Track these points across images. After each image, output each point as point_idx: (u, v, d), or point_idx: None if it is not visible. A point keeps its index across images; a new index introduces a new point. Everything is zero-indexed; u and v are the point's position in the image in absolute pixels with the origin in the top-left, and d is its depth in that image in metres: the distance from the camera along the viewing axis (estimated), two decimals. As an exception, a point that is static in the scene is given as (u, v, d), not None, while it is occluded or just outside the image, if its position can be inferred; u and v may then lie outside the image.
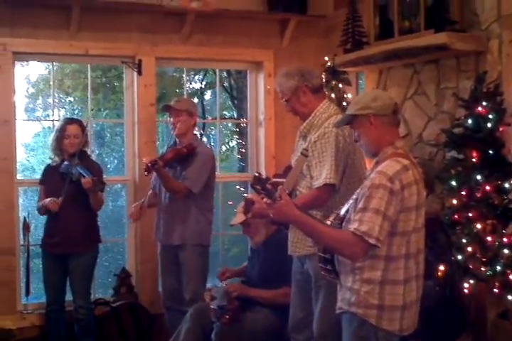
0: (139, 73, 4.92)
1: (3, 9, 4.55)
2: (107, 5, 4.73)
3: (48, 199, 4.29)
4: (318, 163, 3.29)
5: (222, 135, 8.19)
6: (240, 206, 4.13)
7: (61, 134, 4.36)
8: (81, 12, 4.66)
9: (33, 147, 8.60)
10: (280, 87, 3.46)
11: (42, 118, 8.56)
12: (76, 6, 4.61)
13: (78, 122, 4.45)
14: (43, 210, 4.36)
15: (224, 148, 8.86)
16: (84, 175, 4.17)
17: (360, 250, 2.52)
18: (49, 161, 4.55)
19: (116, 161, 8.13)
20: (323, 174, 3.25)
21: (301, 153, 3.36)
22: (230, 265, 5.54)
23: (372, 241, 2.49)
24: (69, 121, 4.44)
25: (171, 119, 4.47)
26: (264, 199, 2.73)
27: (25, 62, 5.42)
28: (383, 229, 2.51)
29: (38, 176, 4.67)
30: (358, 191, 2.71)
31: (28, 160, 8.44)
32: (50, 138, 4.50)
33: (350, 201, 2.73)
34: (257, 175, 2.83)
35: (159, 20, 4.97)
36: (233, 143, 9.41)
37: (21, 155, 5.84)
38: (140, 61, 4.90)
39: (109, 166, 8.11)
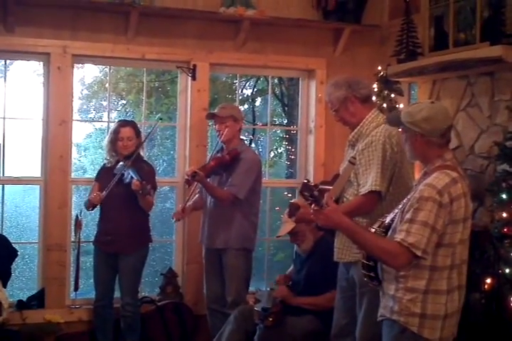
0: (193, 78, 5.01)
1: (64, 13, 4.69)
2: (164, 11, 4.83)
3: (94, 193, 4.40)
4: (364, 171, 3.32)
5: (271, 141, 8.24)
6: (285, 215, 4.16)
7: (115, 136, 4.46)
8: (139, 17, 4.76)
9: (85, 147, 8.78)
10: (329, 97, 3.52)
11: (95, 119, 8.75)
12: (134, 12, 4.71)
13: (132, 124, 4.55)
14: (87, 204, 4.45)
15: (272, 154, 8.90)
16: (135, 177, 4.24)
17: (405, 261, 2.54)
18: (104, 161, 4.66)
19: (165, 164, 8.24)
20: (369, 181, 3.28)
21: (349, 161, 3.38)
22: (274, 270, 5.59)
23: (419, 253, 2.51)
24: (123, 124, 4.53)
25: (216, 126, 4.52)
26: (312, 206, 2.76)
27: (81, 65, 5.54)
28: (431, 241, 2.53)
29: (89, 176, 4.77)
30: (404, 201, 2.72)
31: (80, 160, 8.62)
32: (105, 139, 4.62)
33: (396, 210, 2.75)
34: (305, 181, 2.86)
35: (215, 27, 5.05)
36: (282, 150, 9.44)
37: (74, 155, 5.99)
38: (195, 66, 4.99)
39: (158, 168, 8.23)
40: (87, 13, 4.74)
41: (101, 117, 8.49)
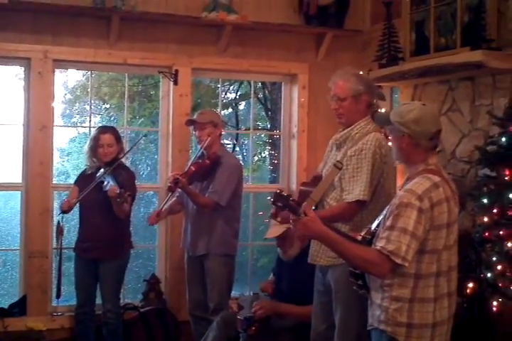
0: (175, 83, 4.99)
1: (45, 18, 4.66)
2: (146, 16, 4.82)
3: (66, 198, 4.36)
4: (351, 178, 3.31)
5: (254, 145, 8.23)
6: (273, 220, 4.12)
7: (95, 143, 4.43)
8: (120, 22, 4.75)
9: (68, 152, 8.72)
10: (344, 84, 3.40)
11: (78, 124, 8.69)
12: (116, 17, 4.70)
13: (112, 131, 4.51)
14: (60, 209, 4.41)
15: (256, 158, 8.90)
16: (113, 184, 4.20)
17: (386, 269, 2.52)
18: (85, 167, 4.63)
19: (149, 168, 8.21)
20: (356, 190, 3.27)
21: (334, 165, 3.37)
22: (258, 275, 5.57)
23: (398, 260, 2.48)
24: (103, 130, 4.50)
25: (197, 133, 4.50)
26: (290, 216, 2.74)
27: (63, 69, 5.52)
28: (411, 248, 2.49)
29: (71, 181, 4.75)
30: (387, 207, 2.71)
31: (63, 165, 8.57)
32: (86, 146, 4.58)
33: (381, 217, 2.73)
34: (278, 192, 2.81)
35: (197, 32, 5.04)
36: (265, 154, 9.44)
37: (56, 160, 5.95)
38: (177, 71, 4.98)
39: (142, 172, 8.19)
40: (68, 18, 4.72)
41: (84, 121, 8.44)
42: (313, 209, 3.14)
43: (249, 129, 6.77)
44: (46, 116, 4.75)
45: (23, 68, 4.86)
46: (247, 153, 9.10)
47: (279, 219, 3.62)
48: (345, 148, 3.40)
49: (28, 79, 4.73)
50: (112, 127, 4.65)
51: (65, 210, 4.34)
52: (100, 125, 5.26)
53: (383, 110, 4.94)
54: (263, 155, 9.46)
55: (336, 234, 2.65)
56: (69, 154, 8.74)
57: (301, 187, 3.64)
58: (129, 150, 4.66)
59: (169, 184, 4.28)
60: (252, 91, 5.92)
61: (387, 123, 2.73)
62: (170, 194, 4.38)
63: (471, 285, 3.77)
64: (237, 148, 9.16)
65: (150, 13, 4.82)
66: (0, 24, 4.54)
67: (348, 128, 3.43)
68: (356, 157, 3.32)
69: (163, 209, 4.51)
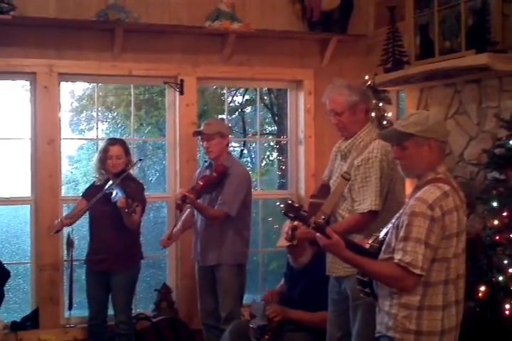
0: (181, 93, 5.00)
1: (49, 32, 4.68)
2: (150, 27, 4.84)
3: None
4: (360, 188, 3.31)
5: (262, 149, 8.22)
6: (284, 226, 4.12)
7: (104, 155, 4.44)
8: (124, 34, 4.76)
9: (77, 159, 8.74)
10: (338, 98, 3.41)
11: (85, 131, 8.71)
12: (119, 29, 4.71)
13: (121, 143, 4.53)
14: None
15: (264, 163, 8.89)
16: (121, 195, 4.21)
17: (411, 282, 2.54)
18: (93, 179, 4.65)
19: (157, 174, 8.23)
20: (367, 200, 3.26)
21: (342, 176, 3.37)
22: (269, 279, 5.56)
23: (417, 271, 2.50)
24: (112, 142, 4.51)
25: (204, 143, 4.49)
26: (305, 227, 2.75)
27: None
28: (426, 257, 2.51)
29: (81, 189, 4.76)
30: (397, 215, 2.71)
31: (72, 172, 8.59)
32: (94, 158, 4.60)
33: (389, 225, 2.74)
34: (289, 202, 2.81)
35: (201, 41, 5.05)
36: (273, 157, 9.44)
37: (65, 168, 5.97)
38: (182, 81, 4.99)
39: (150, 178, 8.21)
40: (72, 32, 4.73)
41: (91, 129, 8.47)
42: (326, 223, 3.18)
43: (256, 133, 6.76)
44: (53, 130, 4.77)
45: (28, 82, 4.88)
46: (255, 156, 9.10)
47: (295, 241, 3.60)
48: (351, 158, 3.39)
49: (34, 93, 4.75)
50: (120, 139, 4.67)
51: (57, 230, 4.38)
52: (108, 132, 5.28)
53: (390, 114, 4.95)
54: (271, 158, 9.46)
55: (356, 256, 2.64)
56: (77, 161, 8.76)
57: (311, 200, 3.64)
58: (134, 164, 4.63)
59: (177, 202, 4.26)
60: (258, 97, 5.90)
61: (400, 138, 2.70)
62: (180, 213, 4.39)
63: (482, 288, 3.76)
64: (246, 151, 9.16)
65: (153, 24, 4.84)
66: (5, 39, 4.57)
67: (352, 138, 3.42)
68: (364, 166, 3.31)
69: (174, 230, 4.52)
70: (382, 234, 2.76)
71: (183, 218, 4.60)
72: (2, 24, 4.48)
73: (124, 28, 4.72)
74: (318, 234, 2.67)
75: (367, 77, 4.91)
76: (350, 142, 3.43)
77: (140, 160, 4.72)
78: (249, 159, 9.32)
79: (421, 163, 2.68)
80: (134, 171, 4.62)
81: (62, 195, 4.96)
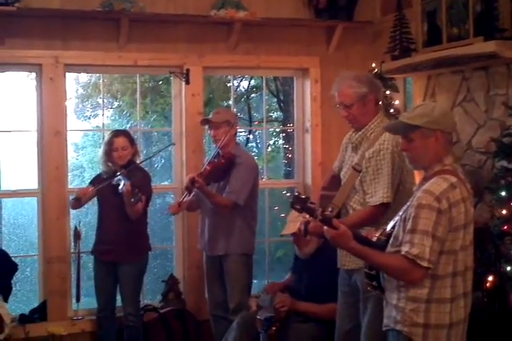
0: (187, 82, 4.97)
1: (54, 23, 4.65)
2: (155, 17, 4.79)
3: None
4: (372, 180, 3.29)
5: (268, 136, 8.19)
6: (290, 216, 4.11)
7: (109, 147, 4.43)
8: (129, 24, 4.72)
9: (82, 146, 8.75)
10: (346, 90, 3.38)
11: (91, 117, 8.72)
12: (125, 19, 4.67)
13: (125, 134, 4.52)
14: (73, 201, 4.44)
15: (270, 149, 8.87)
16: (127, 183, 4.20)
17: (418, 274, 2.53)
18: (99, 166, 4.66)
19: (163, 160, 8.23)
20: (379, 192, 3.25)
21: (353, 168, 3.35)
22: (276, 267, 5.57)
23: (424, 263, 2.49)
24: (116, 134, 4.50)
25: (212, 132, 4.48)
26: (312, 219, 2.74)
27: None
28: (433, 250, 2.50)
29: (87, 176, 4.74)
30: (404, 208, 2.70)
31: (77, 159, 8.60)
32: (100, 151, 4.60)
33: (397, 217, 2.73)
34: (296, 194, 2.82)
35: (206, 30, 5.01)
36: (279, 143, 9.41)
37: (71, 154, 5.97)
38: (188, 70, 4.95)
39: (156, 165, 8.21)
40: (77, 22, 4.70)
41: (97, 115, 8.48)
42: (337, 215, 3.16)
43: (262, 121, 6.74)
44: (60, 121, 4.75)
45: (33, 74, 4.86)
46: (260, 141, 9.09)
47: (308, 237, 3.59)
48: (362, 150, 3.37)
49: (40, 84, 4.73)
50: (124, 130, 4.67)
51: (80, 198, 4.35)
52: (113, 119, 5.26)
53: (397, 102, 4.91)
54: (276, 145, 9.44)
55: (363, 247, 2.63)
56: (83, 148, 8.77)
57: (322, 192, 3.64)
58: (150, 157, 4.64)
59: (186, 184, 4.27)
60: (264, 85, 5.86)
61: (406, 130, 2.69)
62: (186, 193, 4.37)
63: (490, 278, 3.73)
64: (251, 135, 9.14)
65: (159, 14, 4.79)
66: (9, 31, 4.54)
67: (363, 129, 3.40)
68: (375, 158, 3.29)
69: (184, 200, 4.47)
70: (389, 227, 2.76)
71: (188, 199, 4.52)
72: (7, 16, 4.46)
73: (130, 17, 4.69)
74: (325, 226, 2.66)
75: (374, 65, 4.86)
76: (361, 133, 3.41)
77: (173, 144, 4.69)
78: (254, 144, 9.31)
79: (427, 154, 2.66)
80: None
81: (69, 187, 4.95)
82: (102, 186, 4.32)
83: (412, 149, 2.69)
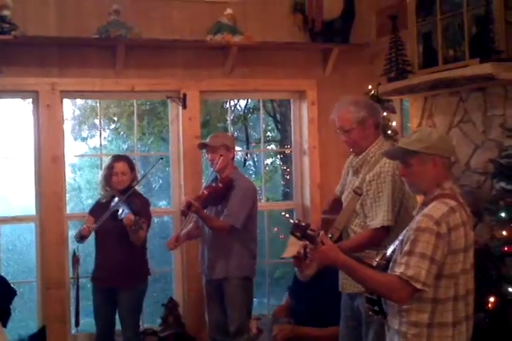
0: (184, 107, 4.99)
1: (51, 50, 4.68)
2: (152, 42, 4.82)
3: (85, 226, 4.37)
4: (373, 203, 3.29)
5: (266, 155, 8.19)
6: (291, 239, 4.09)
7: (109, 171, 4.42)
8: (126, 50, 4.75)
9: (79, 167, 8.74)
10: (345, 115, 3.39)
11: (88, 138, 8.72)
12: (121, 45, 4.70)
13: (126, 159, 4.52)
14: (77, 236, 4.40)
15: (267, 168, 8.88)
16: (128, 212, 4.19)
17: (406, 295, 2.51)
18: (99, 196, 4.63)
19: (161, 181, 8.22)
20: (379, 215, 3.25)
21: (354, 191, 3.35)
22: (276, 287, 5.53)
23: (418, 285, 2.47)
24: (117, 159, 4.50)
25: (209, 156, 4.50)
26: (307, 245, 2.74)
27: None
28: (430, 273, 2.49)
29: (84, 195, 4.73)
30: (403, 232, 2.69)
31: (75, 180, 8.59)
32: (99, 175, 4.59)
33: (397, 242, 2.72)
34: (296, 222, 2.81)
35: (203, 55, 5.04)
36: (276, 163, 9.42)
37: (68, 175, 5.96)
38: (185, 95, 4.98)
39: (154, 185, 8.20)
40: (74, 49, 4.73)
41: (94, 136, 8.49)
42: (340, 239, 3.15)
43: (259, 141, 6.75)
44: (57, 147, 4.76)
45: (30, 101, 4.87)
46: (258, 161, 9.09)
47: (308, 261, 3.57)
48: (363, 173, 3.38)
49: (37, 111, 4.74)
50: (125, 156, 4.66)
51: (85, 236, 4.33)
52: (110, 140, 5.26)
53: (394, 123, 4.93)
54: (274, 164, 9.45)
55: (353, 260, 2.64)
56: (80, 169, 8.76)
57: (323, 216, 3.63)
58: (144, 175, 4.65)
59: (182, 208, 4.28)
60: (261, 107, 5.88)
61: (404, 156, 2.70)
62: (186, 218, 4.38)
63: (492, 299, 3.71)
64: (248, 156, 9.15)
65: (155, 39, 4.82)
66: (7, 59, 4.56)
67: (363, 153, 3.40)
68: (376, 181, 3.30)
69: (182, 233, 4.49)
70: (389, 251, 2.74)
71: (188, 227, 4.57)
72: (4, 44, 4.47)
73: (126, 43, 4.71)
74: (309, 245, 2.67)
75: (370, 87, 4.89)
76: (361, 157, 3.41)
77: (161, 159, 4.70)
78: (251, 162, 9.32)
79: (426, 179, 2.67)
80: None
81: (68, 212, 4.94)
82: (103, 220, 4.28)
83: (411, 174, 2.70)
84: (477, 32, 4.08)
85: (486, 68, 3.83)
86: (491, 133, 4.20)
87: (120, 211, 4.24)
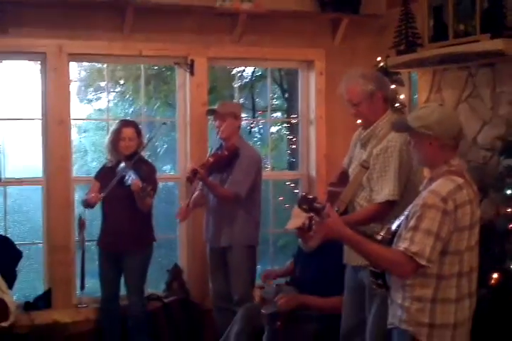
0: (191, 73, 4.97)
1: (59, 12, 4.63)
2: (161, 7, 4.76)
3: (92, 193, 4.40)
4: (379, 177, 3.29)
5: (272, 124, 8.16)
6: (295, 210, 4.12)
7: (117, 136, 4.44)
8: (134, 14, 4.70)
9: (85, 129, 8.73)
10: (354, 88, 3.38)
11: (94, 100, 8.67)
12: (130, 8, 4.65)
13: (134, 124, 4.53)
14: (84, 203, 4.45)
15: (273, 137, 8.85)
16: (135, 179, 4.22)
17: (409, 270, 2.54)
18: (105, 161, 4.67)
19: (166, 145, 8.21)
20: (385, 189, 3.25)
21: (361, 165, 3.36)
22: (279, 256, 5.58)
23: (423, 262, 2.50)
24: (125, 124, 4.51)
25: (216, 123, 4.50)
26: (314, 218, 2.76)
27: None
28: (435, 249, 2.51)
29: (90, 158, 4.73)
30: (409, 208, 2.71)
31: (81, 141, 8.59)
32: (106, 139, 4.60)
33: (402, 217, 2.74)
34: (303, 194, 2.84)
35: (211, 21, 4.99)
36: (281, 132, 9.39)
37: (74, 136, 5.97)
38: (192, 61, 4.95)
39: (159, 150, 8.19)
40: (82, 12, 4.68)
41: (100, 98, 8.45)
42: (346, 212, 3.16)
43: (266, 109, 6.73)
44: (64, 111, 4.74)
45: (38, 63, 4.84)
46: (263, 129, 9.06)
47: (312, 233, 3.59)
48: (371, 147, 3.38)
49: (45, 73, 4.71)
50: (133, 121, 4.67)
51: (92, 204, 4.37)
52: (115, 102, 5.24)
53: (402, 96, 4.91)
54: (280, 133, 9.41)
55: (358, 234, 2.66)
56: (86, 131, 8.75)
57: (330, 188, 3.64)
58: (148, 141, 4.65)
59: (188, 175, 4.30)
60: (269, 77, 5.84)
61: (407, 130, 2.72)
62: (191, 186, 4.37)
63: (495, 276, 3.74)
64: (254, 124, 9.11)
65: (164, 4, 4.76)
66: (15, 20, 4.51)
67: (372, 127, 3.40)
68: (383, 155, 3.29)
69: (190, 202, 4.52)
70: (394, 226, 2.76)
71: (195, 195, 4.59)
72: (11, 4, 4.44)
73: (135, 7, 4.66)
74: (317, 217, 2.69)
75: (379, 59, 4.85)
76: (369, 131, 3.41)
77: (164, 124, 4.68)
78: (256, 129, 9.29)
79: (427, 156, 2.68)
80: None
81: (74, 176, 4.95)
82: (110, 187, 4.31)
83: (414, 149, 2.73)
84: (489, 7, 4.04)
85: (497, 44, 3.81)
86: (500, 109, 4.20)
87: (127, 177, 4.27)
